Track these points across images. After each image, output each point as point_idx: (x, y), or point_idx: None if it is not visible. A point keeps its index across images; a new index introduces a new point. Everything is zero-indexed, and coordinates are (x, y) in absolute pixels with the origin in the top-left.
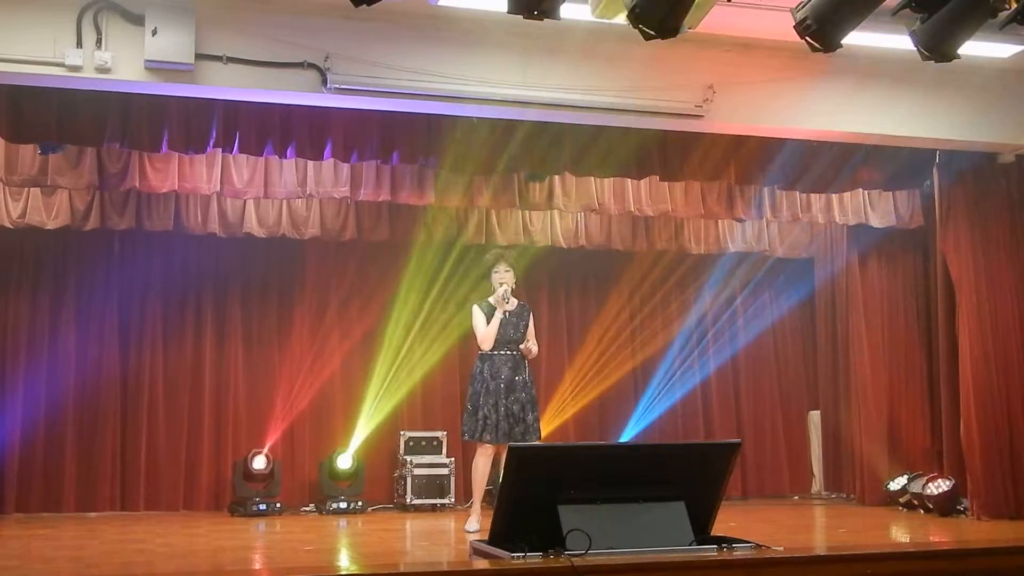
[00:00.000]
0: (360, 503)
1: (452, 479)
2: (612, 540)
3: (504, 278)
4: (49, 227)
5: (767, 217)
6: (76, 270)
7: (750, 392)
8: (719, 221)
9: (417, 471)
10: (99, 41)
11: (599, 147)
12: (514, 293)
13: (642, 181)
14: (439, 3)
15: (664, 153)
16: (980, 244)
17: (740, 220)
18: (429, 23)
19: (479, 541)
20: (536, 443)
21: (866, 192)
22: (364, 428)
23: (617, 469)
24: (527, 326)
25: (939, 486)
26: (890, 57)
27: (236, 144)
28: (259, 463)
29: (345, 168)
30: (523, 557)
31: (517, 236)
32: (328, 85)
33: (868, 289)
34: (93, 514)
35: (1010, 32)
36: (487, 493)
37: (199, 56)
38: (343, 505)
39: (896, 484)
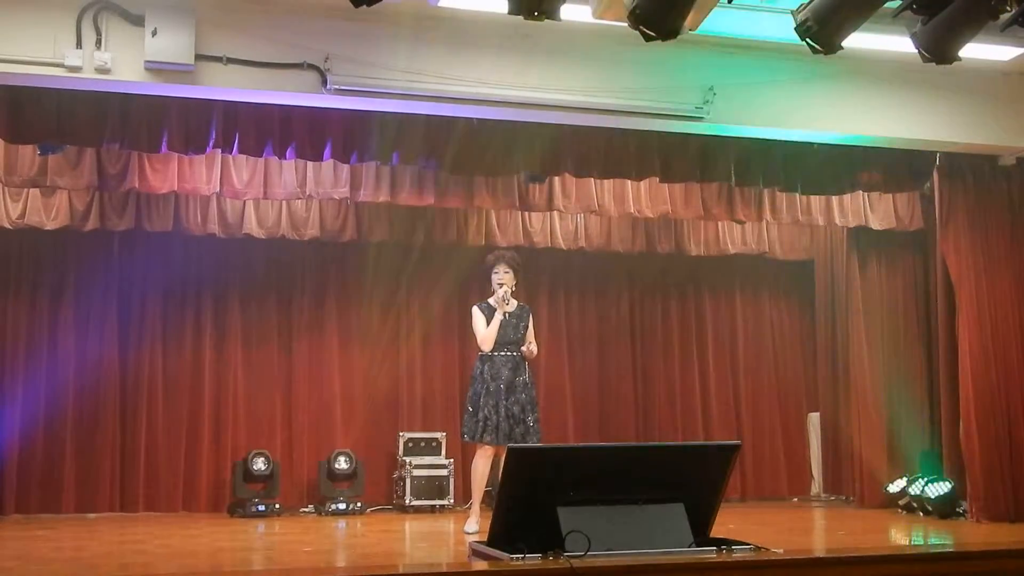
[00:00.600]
0: (359, 504)
1: (451, 480)
2: (611, 542)
3: (504, 279)
4: (48, 228)
5: (767, 219)
6: (75, 271)
7: (749, 394)
8: (719, 223)
9: (416, 472)
10: (99, 41)
11: (599, 149)
12: (513, 295)
13: (642, 183)
14: (439, 4)
15: (664, 155)
16: (980, 246)
17: (740, 222)
18: (429, 24)
19: (478, 542)
20: (535, 444)
21: (866, 194)
22: (363, 429)
23: (616, 471)
24: (527, 327)
25: (938, 488)
26: (891, 59)
27: (236, 145)
28: (258, 464)
29: (345, 169)
30: (522, 558)
31: (517, 237)
32: (328, 86)
33: (868, 291)
34: (92, 515)
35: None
36: (486, 494)
37: (199, 57)
38: (342, 506)
39: (895, 486)
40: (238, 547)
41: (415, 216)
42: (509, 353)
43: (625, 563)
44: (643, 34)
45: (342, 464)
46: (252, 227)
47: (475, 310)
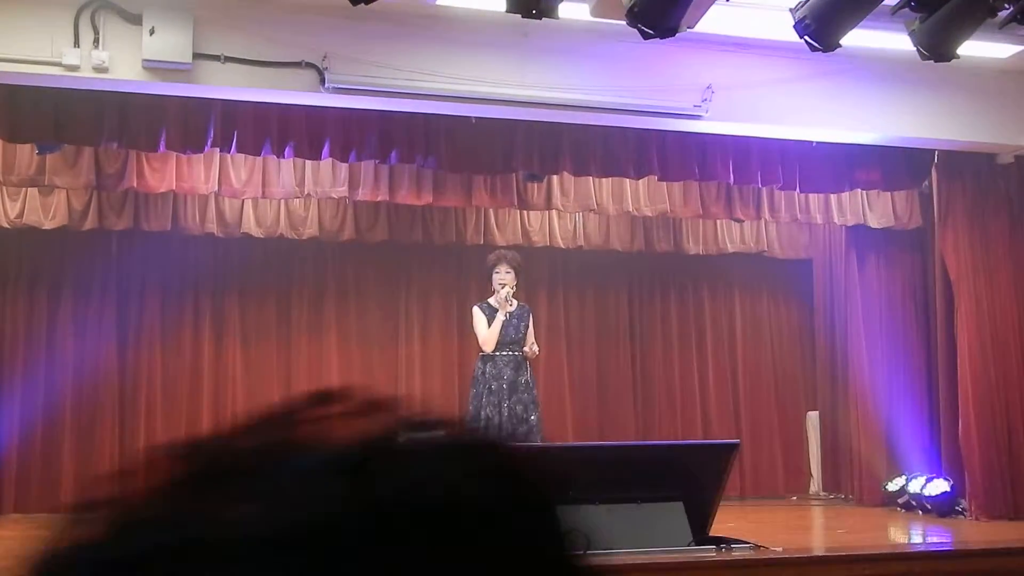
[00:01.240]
0: None
1: None
2: (611, 541)
3: (505, 279)
4: (47, 227)
5: (765, 217)
6: (74, 270)
7: (748, 392)
8: (717, 221)
9: None
10: (96, 40)
11: (597, 147)
12: (514, 295)
13: (640, 181)
14: (437, 2)
15: (663, 153)
16: (979, 245)
17: (739, 220)
18: (427, 22)
19: None
20: (534, 444)
21: (864, 192)
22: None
23: (616, 469)
24: (527, 327)
25: (937, 487)
26: (889, 57)
27: (234, 144)
28: None
29: (343, 168)
30: None
31: (516, 236)
32: (326, 85)
33: (866, 289)
34: None
35: (1009, 32)
36: None
37: (197, 55)
38: None
39: (894, 485)
40: None
41: (413, 215)
42: (511, 353)
43: (625, 562)
44: (641, 32)
45: None
46: (250, 226)
47: (476, 310)
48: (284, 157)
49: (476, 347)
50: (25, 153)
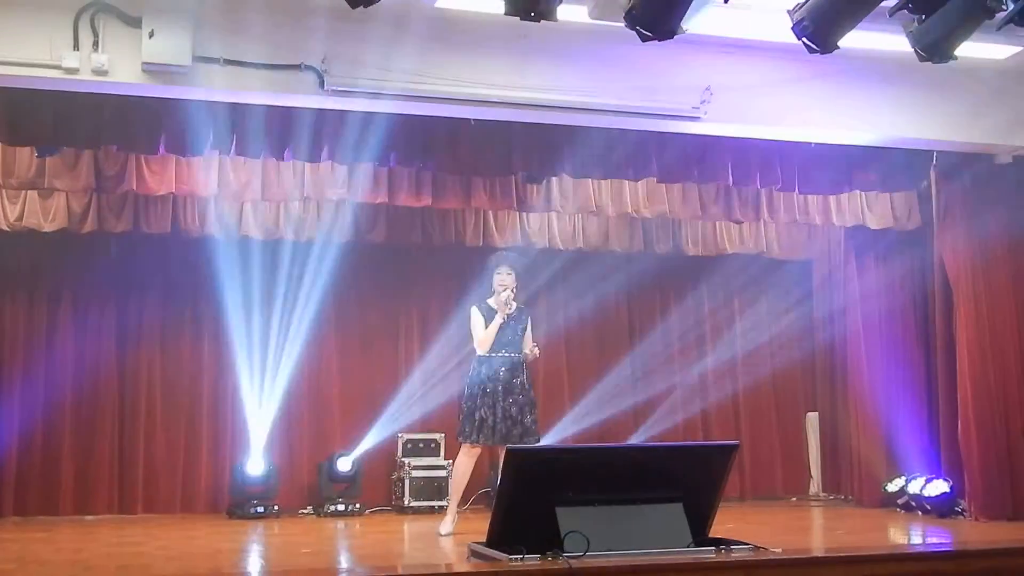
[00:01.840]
0: (358, 505)
1: (450, 481)
2: (610, 542)
3: (506, 281)
4: (46, 230)
5: (765, 219)
6: (73, 273)
7: (748, 394)
8: (717, 223)
9: (415, 473)
10: (96, 43)
11: (597, 149)
12: (514, 297)
13: (639, 183)
14: (436, 5)
15: (661, 155)
16: (977, 245)
17: (738, 222)
18: (426, 25)
19: (477, 543)
20: (534, 445)
21: (863, 194)
22: (362, 430)
23: (615, 471)
24: (525, 329)
25: (937, 487)
26: (887, 58)
27: (233, 146)
28: (257, 466)
29: (342, 170)
30: (521, 559)
31: (515, 238)
32: (325, 87)
33: (866, 291)
34: (91, 517)
35: (1007, 33)
36: (484, 495)
37: (196, 58)
38: (341, 507)
39: (894, 485)
40: (237, 548)
41: (413, 217)
42: (507, 354)
43: (624, 563)
44: (640, 34)
45: (341, 465)
46: (250, 228)
47: (474, 310)
48: (283, 159)
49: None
50: (25, 156)
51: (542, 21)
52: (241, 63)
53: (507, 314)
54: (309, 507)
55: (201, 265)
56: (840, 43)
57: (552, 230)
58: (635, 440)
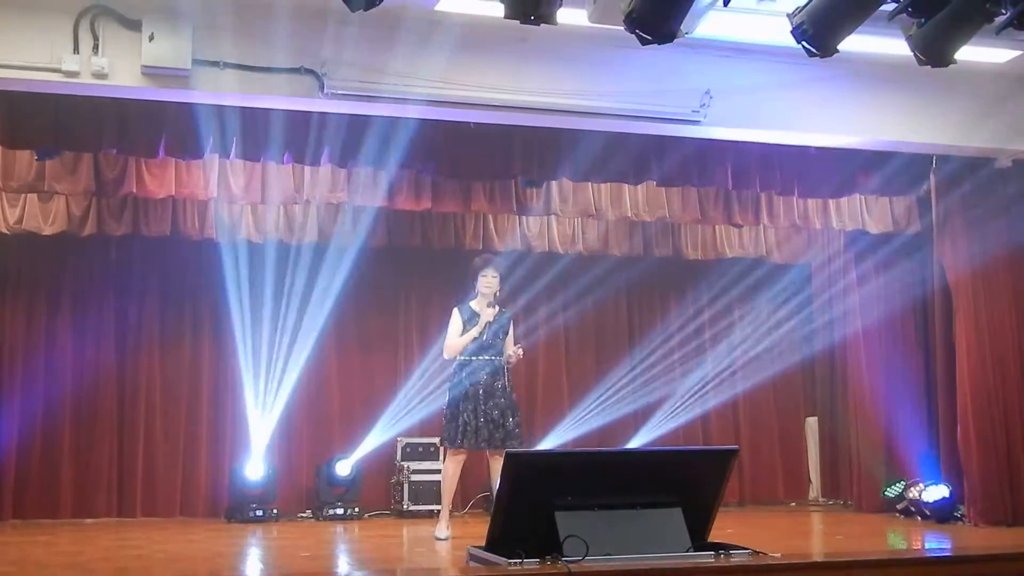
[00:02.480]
0: (357, 509)
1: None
2: (609, 546)
3: (491, 284)
4: (46, 233)
5: (764, 223)
6: (73, 276)
7: (747, 398)
8: (716, 227)
9: (414, 477)
10: (96, 47)
11: (596, 152)
12: (497, 300)
13: (639, 186)
14: (436, 8)
15: (661, 158)
16: (977, 249)
17: (737, 226)
18: (426, 28)
19: (476, 547)
20: (533, 449)
21: (863, 197)
22: (361, 434)
23: (614, 475)
24: (507, 333)
25: (936, 492)
26: (887, 62)
27: (233, 149)
28: (256, 469)
29: (342, 173)
30: (520, 563)
31: (514, 242)
32: (325, 90)
33: (865, 295)
34: (90, 520)
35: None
36: (482, 499)
37: (196, 62)
38: (340, 511)
39: (893, 491)
40: (236, 552)
41: (412, 220)
42: (488, 358)
43: (623, 568)
44: (639, 38)
45: (340, 469)
46: (249, 232)
47: (455, 312)
48: (283, 163)
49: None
50: (25, 159)
51: (542, 25)
52: (241, 66)
53: (487, 323)
54: (308, 511)
55: (201, 269)
56: (840, 47)
57: (552, 234)
58: (635, 444)
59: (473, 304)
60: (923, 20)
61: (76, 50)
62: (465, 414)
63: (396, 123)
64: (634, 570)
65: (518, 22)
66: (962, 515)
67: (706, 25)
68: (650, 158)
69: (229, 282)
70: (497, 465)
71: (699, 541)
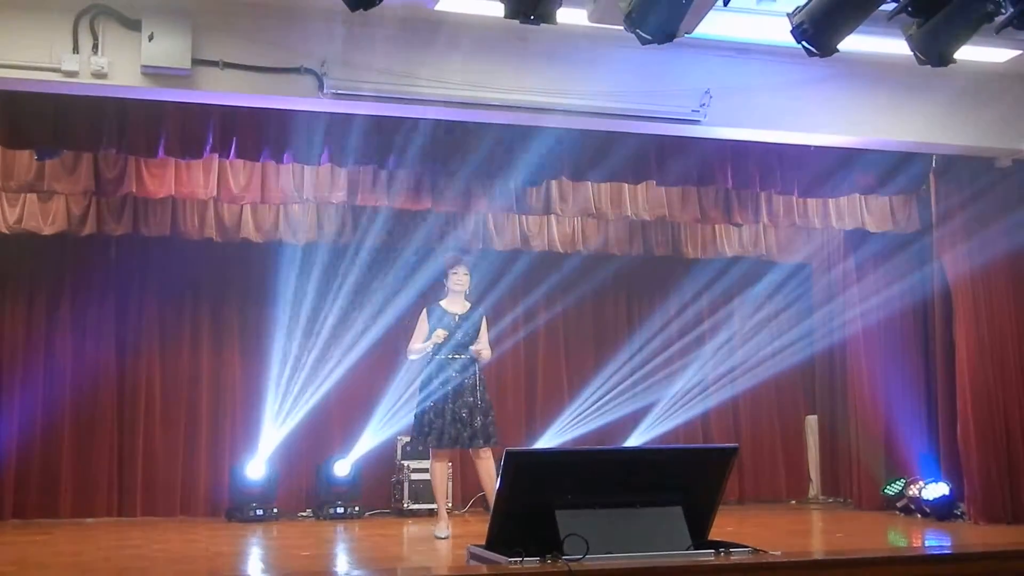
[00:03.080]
0: (357, 508)
1: (450, 484)
2: (609, 545)
3: (462, 280)
4: (46, 233)
5: (764, 222)
6: (73, 276)
7: (747, 396)
8: (716, 226)
9: (414, 476)
10: (96, 46)
11: (596, 152)
12: (467, 297)
13: (639, 186)
14: (436, 8)
15: (661, 158)
16: (977, 248)
17: (737, 225)
18: (426, 28)
19: (477, 546)
20: (533, 448)
21: (863, 197)
22: (361, 433)
23: (614, 474)
24: (479, 330)
25: (936, 490)
26: (886, 62)
27: (233, 149)
28: (256, 469)
29: (342, 173)
30: (520, 562)
31: (514, 241)
32: (325, 90)
33: (865, 294)
34: (90, 520)
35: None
36: (482, 498)
37: (196, 61)
38: (340, 510)
39: (893, 489)
40: (236, 552)
41: (412, 220)
42: (459, 356)
43: (623, 566)
44: (639, 37)
45: (340, 468)
46: (249, 231)
47: (423, 314)
48: (283, 162)
49: (433, 351)
50: (24, 159)
51: (542, 24)
52: (240, 66)
53: (458, 314)
54: (308, 510)
55: (200, 268)
56: (839, 46)
57: (551, 233)
58: (634, 443)
59: (444, 303)
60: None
61: (76, 50)
62: (431, 413)
63: (396, 122)
64: (635, 568)
65: (518, 21)
66: (962, 513)
67: (706, 25)
68: (650, 157)
69: (228, 282)
70: (481, 464)
71: (699, 539)
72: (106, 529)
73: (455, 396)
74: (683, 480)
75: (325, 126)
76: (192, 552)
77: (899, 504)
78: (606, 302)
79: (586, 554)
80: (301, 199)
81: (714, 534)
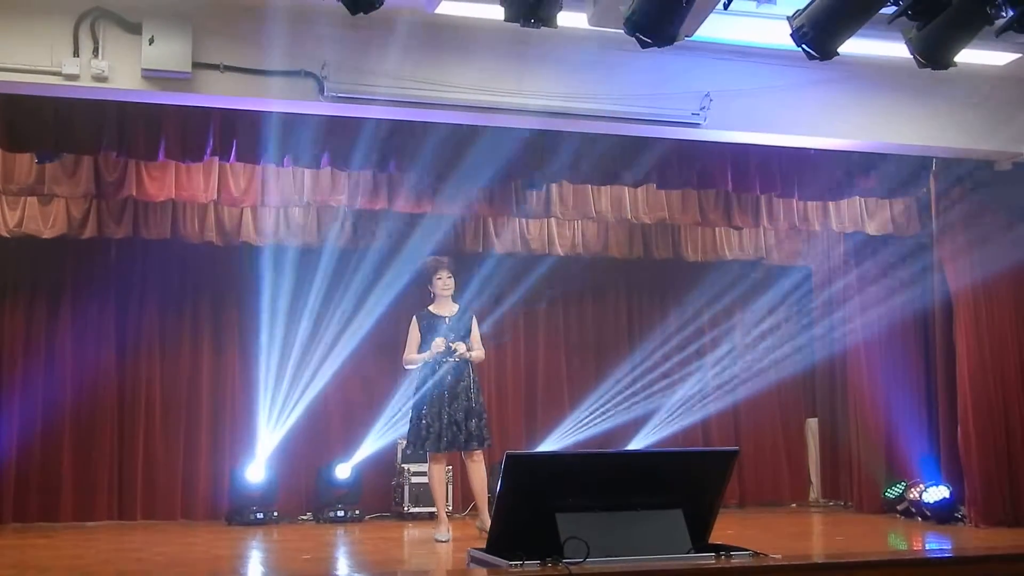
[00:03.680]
0: (357, 511)
1: (450, 487)
2: (610, 548)
3: (448, 284)
4: (46, 236)
5: (764, 225)
6: (73, 279)
7: (748, 400)
8: (716, 229)
9: (415, 479)
10: (96, 50)
11: (596, 155)
12: (453, 297)
13: (639, 189)
14: (436, 11)
15: (661, 161)
16: (977, 252)
17: (737, 228)
18: (426, 31)
19: (477, 549)
20: (533, 451)
21: (863, 200)
22: (361, 436)
23: (615, 477)
24: (470, 331)
25: (937, 493)
26: (886, 65)
27: (233, 152)
28: (257, 472)
29: (342, 176)
30: (521, 565)
31: (514, 244)
32: (325, 93)
33: (865, 297)
34: (90, 523)
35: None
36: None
37: (196, 64)
38: (340, 514)
39: (894, 492)
40: (236, 555)
41: (412, 223)
42: (452, 360)
43: (624, 569)
44: (639, 40)
45: (340, 471)
46: (250, 235)
47: (413, 322)
48: (283, 166)
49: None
50: (24, 162)
51: (542, 27)
52: (241, 69)
53: (448, 315)
54: (308, 513)
55: (200, 272)
56: (839, 50)
57: (551, 236)
58: (635, 446)
59: (432, 308)
60: (923, 23)
61: (76, 53)
62: (428, 417)
63: (396, 125)
64: (635, 572)
65: (518, 25)
66: (962, 516)
67: (706, 28)
68: (650, 160)
69: (228, 285)
70: (474, 466)
71: (700, 542)
72: (106, 532)
73: (451, 399)
74: (684, 483)
75: (325, 129)
76: (192, 555)
77: (900, 507)
78: (606, 306)
79: (586, 557)
80: (301, 202)
81: (715, 537)
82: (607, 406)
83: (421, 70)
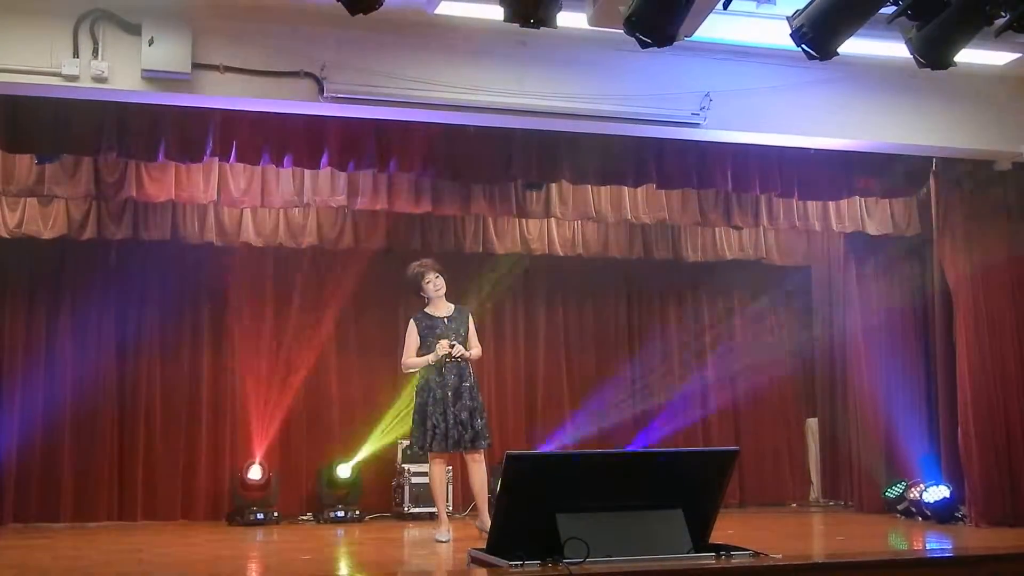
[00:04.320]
0: (358, 512)
1: (450, 487)
2: (610, 548)
3: (439, 285)
4: (46, 237)
5: (764, 225)
6: (73, 280)
7: (748, 399)
8: (716, 229)
9: (415, 480)
10: (96, 51)
11: (596, 155)
12: (448, 297)
13: (639, 189)
14: (436, 12)
15: (661, 161)
16: (977, 251)
17: (737, 228)
18: (426, 32)
19: (477, 549)
20: (534, 452)
21: (863, 200)
22: (362, 437)
23: (615, 477)
24: (467, 331)
25: (937, 493)
26: (886, 65)
27: (233, 153)
28: (257, 472)
29: (342, 177)
30: (521, 565)
31: (514, 244)
32: (325, 94)
33: (865, 296)
34: (91, 524)
35: (1006, 39)
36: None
37: (196, 65)
38: (341, 514)
39: (894, 491)
40: (237, 555)
41: (412, 224)
42: (454, 360)
43: (624, 569)
44: (639, 41)
45: (341, 472)
46: (250, 235)
47: (411, 325)
48: (283, 166)
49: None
50: (24, 163)
51: (541, 28)
52: (240, 70)
53: (445, 316)
54: (309, 513)
55: (200, 272)
56: (839, 50)
57: (552, 236)
58: (635, 446)
59: (428, 310)
60: (922, 23)
61: (76, 54)
62: (434, 417)
63: (396, 126)
64: (635, 572)
65: (518, 25)
66: (963, 516)
67: (706, 28)
68: (650, 161)
69: (228, 286)
70: (475, 466)
71: (700, 542)
72: (107, 533)
73: (454, 399)
74: (684, 483)
75: (325, 130)
76: (193, 556)
77: (900, 507)
78: (606, 306)
79: (587, 557)
80: (301, 203)
81: (715, 537)
82: (607, 406)
83: (421, 70)
